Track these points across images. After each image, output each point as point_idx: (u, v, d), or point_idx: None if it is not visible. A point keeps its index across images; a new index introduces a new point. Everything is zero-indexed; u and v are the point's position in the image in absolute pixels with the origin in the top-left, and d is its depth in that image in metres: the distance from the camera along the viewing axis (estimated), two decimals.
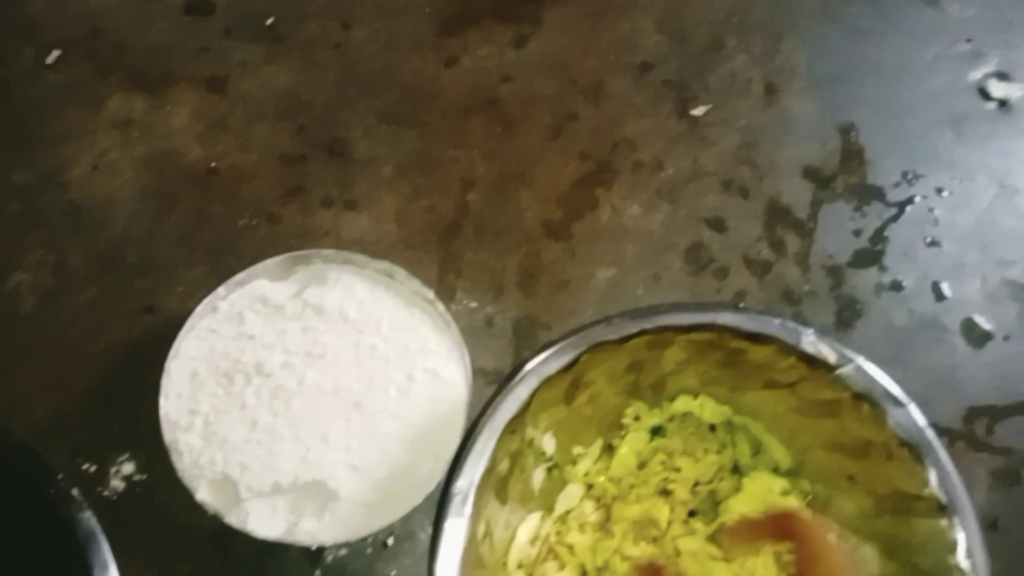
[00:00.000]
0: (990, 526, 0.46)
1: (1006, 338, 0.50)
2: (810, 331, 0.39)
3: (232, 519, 0.39)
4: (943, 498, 0.38)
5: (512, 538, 0.42)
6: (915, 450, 0.38)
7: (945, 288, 0.51)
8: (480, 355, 0.48)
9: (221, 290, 0.44)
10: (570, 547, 0.42)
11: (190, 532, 0.43)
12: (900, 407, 0.39)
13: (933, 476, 0.38)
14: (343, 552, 0.43)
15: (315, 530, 0.39)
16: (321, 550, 0.43)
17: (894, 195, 0.53)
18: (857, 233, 0.52)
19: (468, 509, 0.36)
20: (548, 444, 0.42)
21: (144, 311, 0.48)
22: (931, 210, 0.53)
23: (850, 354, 0.39)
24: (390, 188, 0.52)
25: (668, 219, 0.52)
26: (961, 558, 0.37)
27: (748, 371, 0.42)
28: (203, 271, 0.49)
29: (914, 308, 0.50)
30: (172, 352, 0.43)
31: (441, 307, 0.44)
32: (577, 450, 0.43)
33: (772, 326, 0.39)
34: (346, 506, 0.40)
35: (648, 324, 0.39)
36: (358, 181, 0.52)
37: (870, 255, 0.52)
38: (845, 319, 0.50)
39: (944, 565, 0.38)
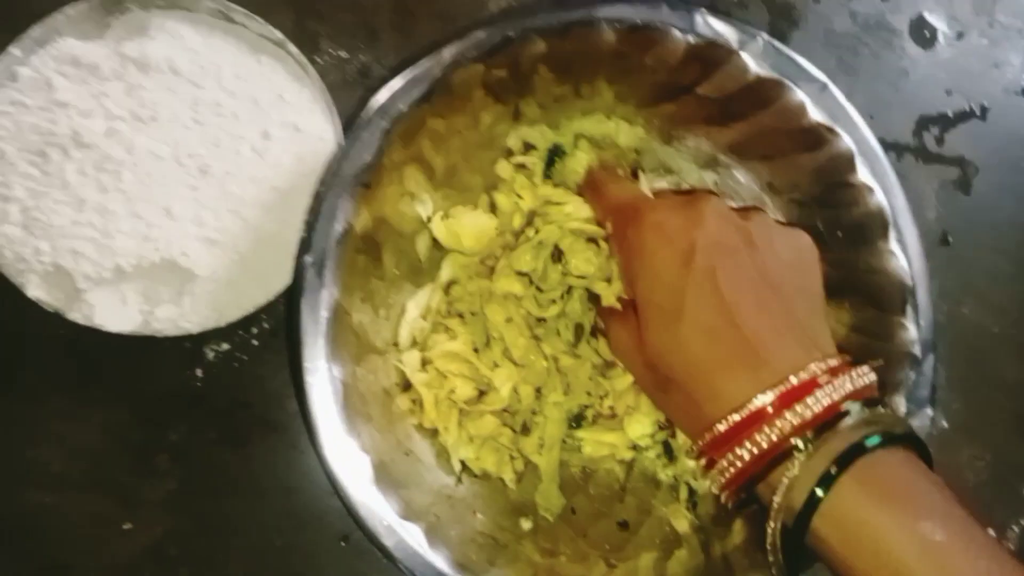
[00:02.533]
0: (941, 241, 0.42)
1: (959, 35, 0.44)
2: (702, 9, 0.33)
3: (75, 315, 0.34)
4: (869, 180, 0.34)
5: (402, 315, 0.37)
6: (835, 131, 0.34)
7: None
8: (357, 110, 0.40)
9: (15, 51, 0.35)
10: (460, 316, 0.37)
11: (38, 339, 0.37)
12: (814, 83, 0.34)
13: (857, 157, 0.34)
14: (225, 346, 0.38)
15: (175, 317, 0.34)
16: (199, 345, 0.38)
17: None
18: None
19: (327, 281, 0.30)
20: (423, 207, 0.36)
21: None
22: None
23: (751, 30, 0.33)
24: None
25: None
26: (892, 241, 0.34)
27: (642, 81, 0.36)
28: (2, 39, 0.40)
29: (857, 10, 0.43)
30: None
31: (294, 49, 0.37)
32: (458, 209, 0.37)
33: (660, 12, 0.33)
34: (207, 286, 0.34)
35: (511, 30, 0.32)
36: None
37: None
38: (780, 29, 0.43)
39: (877, 253, 0.34)
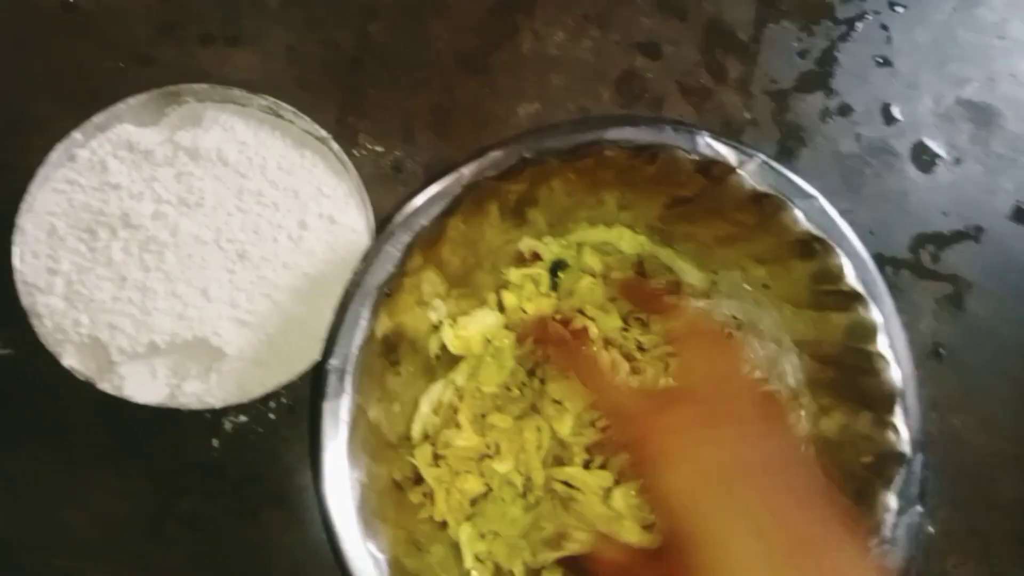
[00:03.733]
0: (933, 353, 0.44)
1: (957, 161, 0.46)
2: (704, 132, 0.35)
3: (106, 385, 0.35)
4: (859, 287, 0.36)
5: (415, 410, 0.39)
6: (826, 243, 0.36)
7: (896, 111, 0.47)
8: (389, 204, 0.42)
9: (78, 135, 0.38)
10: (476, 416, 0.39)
11: (70, 406, 0.39)
12: (808, 199, 0.36)
13: (848, 266, 0.36)
14: (243, 419, 0.40)
15: (200, 392, 0.36)
16: (219, 418, 0.40)
17: (844, 11, 0.48)
18: (803, 55, 0.47)
19: (348, 387, 0.32)
20: (435, 313, 0.38)
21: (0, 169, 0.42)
22: (884, 27, 0.48)
23: (751, 151, 0.36)
24: (279, 20, 0.46)
25: (597, 46, 0.47)
26: (882, 345, 0.35)
27: (646, 191, 0.38)
28: (67, 122, 0.43)
29: (862, 133, 0.46)
30: (24, 207, 0.37)
31: (336, 146, 0.39)
32: (465, 319, 0.40)
33: (665, 134, 0.35)
34: (235, 364, 0.36)
35: (527, 151, 0.34)
36: (242, 13, 0.46)
37: (817, 78, 0.47)
38: (789, 148, 0.46)
39: (867, 356, 0.36)
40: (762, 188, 0.36)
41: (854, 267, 0.36)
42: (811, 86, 0.47)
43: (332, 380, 0.32)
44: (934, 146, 0.46)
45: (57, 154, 0.38)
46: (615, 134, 0.36)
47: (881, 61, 0.47)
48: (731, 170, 0.36)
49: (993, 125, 0.47)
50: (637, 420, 0.29)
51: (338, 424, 0.32)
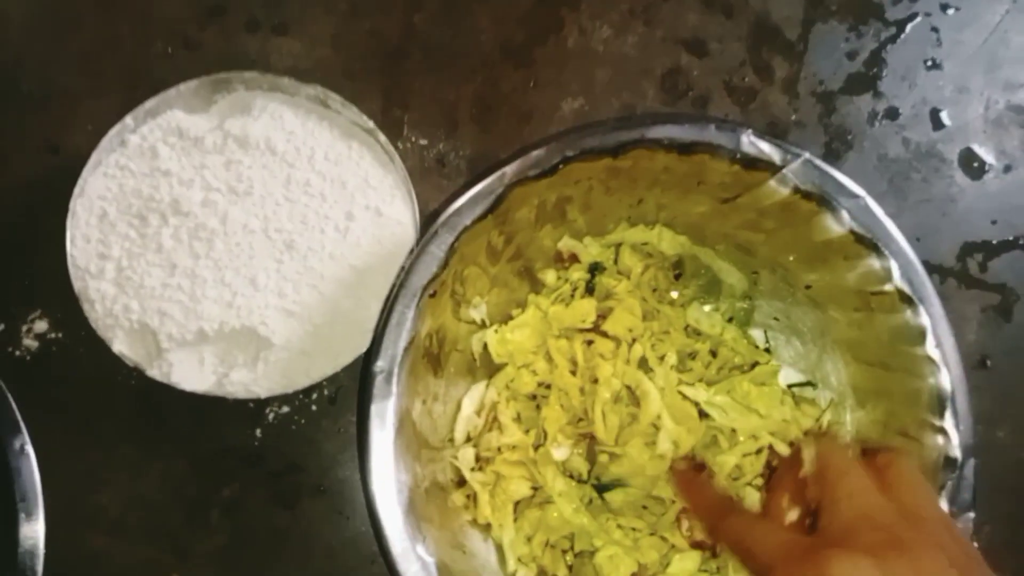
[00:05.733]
0: (979, 364, 0.43)
1: (1007, 168, 0.46)
2: (748, 130, 0.35)
3: (154, 372, 0.36)
4: (906, 288, 0.35)
5: (457, 411, 0.39)
6: (872, 243, 0.35)
7: (944, 116, 0.46)
8: (432, 197, 0.43)
9: (129, 120, 0.38)
10: (518, 415, 0.39)
11: (114, 390, 0.39)
12: (854, 199, 0.36)
13: (895, 267, 0.35)
14: (285, 409, 0.40)
15: (247, 381, 0.36)
16: (262, 407, 0.40)
17: (894, 12, 0.47)
18: (852, 56, 0.47)
19: (395, 388, 0.32)
20: (477, 312, 0.38)
21: (47, 150, 0.43)
22: (934, 29, 0.47)
23: (795, 150, 0.35)
24: (325, 7, 0.45)
25: (642, 41, 0.46)
26: (930, 347, 0.35)
27: (688, 189, 0.38)
28: (112, 104, 0.43)
29: (910, 137, 0.46)
30: (76, 191, 0.37)
31: (383, 138, 0.39)
32: (511, 311, 0.39)
33: (708, 132, 0.35)
34: (281, 354, 0.36)
35: (570, 150, 0.34)
36: (287, 0, 0.45)
37: (865, 80, 0.46)
38: (835, 150, 0.45)
39: (914, 359, 0.35)
40: (806, 187, 0.36)
41: (900, 268, 0.36)
42: (859, 88, 0.46)
43: (379, 382, 0.32)
44: (983, 153, 0.46)
45: (108, 139, 0.38)
46: (658, 132, 0.36)
47: (931, 64, 0.47)
48: (776, 169, 0.36)
49: None
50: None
51: (385, 426, 0.32)
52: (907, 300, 0.35)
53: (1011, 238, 0.45)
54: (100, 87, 0.44)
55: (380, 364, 0.32)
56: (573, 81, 0.46)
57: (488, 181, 0.35)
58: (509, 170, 0.35)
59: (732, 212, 0.39)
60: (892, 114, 0.46)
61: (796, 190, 0.36)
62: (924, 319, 0.35)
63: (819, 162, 0.36)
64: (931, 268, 0.44)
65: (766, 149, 0.36)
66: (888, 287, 0.36)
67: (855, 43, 0.47)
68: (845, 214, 0.36)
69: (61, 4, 0.45)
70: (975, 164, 0.46)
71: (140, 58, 0.44)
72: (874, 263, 0.36)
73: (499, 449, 0.37)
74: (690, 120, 0.36)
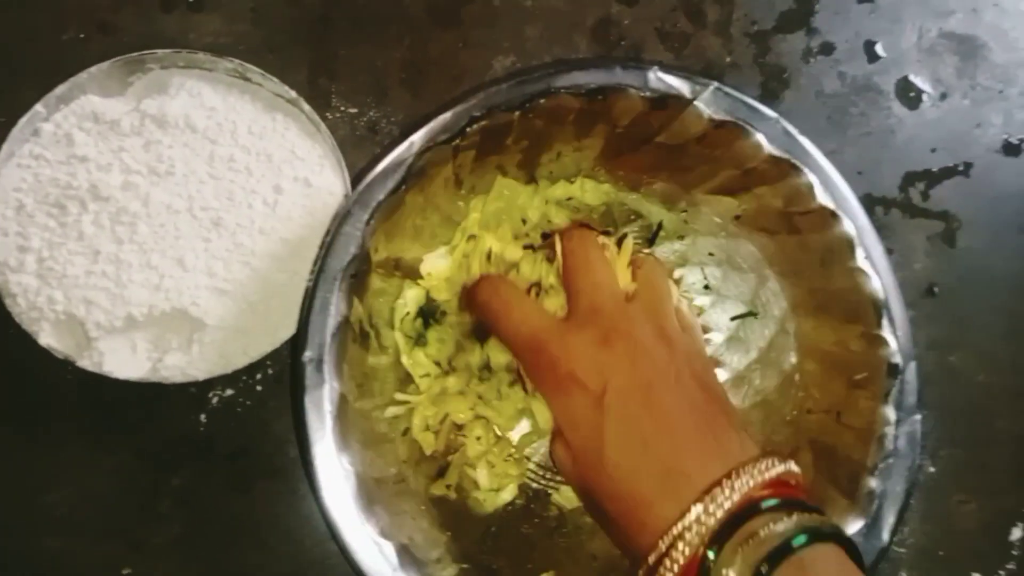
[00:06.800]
0: (927, 292, 0.43)
1: (943, 96, 0.46)
2: (655, 68, 0.34)
3: (85, 362, 0.35)
4: (829, 203, 0.35)
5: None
6: (791, 164, 0.35)
7: (879, 48, 0.46)
8: (366, 165, 0.42)
9: (40, 108, 0.37)
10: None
11: (52, 386, 0.38)
12: (767, 121, 0.36)
13: (816, 185, 0.35)
14: (229, 392, 0.39)
15: (183, 364, 0.35)
16: (204, 391, 0.39)
17: None
18: None
19: (327, 376, 0.31)
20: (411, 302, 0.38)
21: None
22: None
23: (703, 80, 0.35)
24: None
25: None
26: (859, 259, 0.35)
27: (603, 139, 0.37)
28: (28, 96, 0.41)
29: (846, 72, 0.45)
30: None
31: (307, 107, 0.38)
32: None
33: (614, 74, 0.34)
34: (216, 335, 0.35)
35: (476, 110, 0.33)
36: None
37: (798, 17, 0.46)
38: (772, 89, 0.45)
39: (846, 273, 0.35)
40: (719, 116, 0.36)
41: (821, 184, 0.36)
42: (792, 26, 0.46)
43: (309, 371, 0.31)
44: (919, 82, 0.46)
45: (19, 129, 0.36)
46: (564, 81, 0.35)
47: None
48: (687, 102, 0.35)
49: (978, 57, 0.46)
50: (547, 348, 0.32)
51: (323, 416, 0.31)
52: (832, 215, 0.35)
53: (951, 164, 0.45)
54: (13, 78, 0.42)
55: (308, 353, 0.32)
56: (503, 39, 0.45)
57: (397, 151, 0.34)
58: (416, 138, 0.34)
59: (650, 153, 0.38)
60: (827, 49, 0.46)
61: (710, 120, 0.35)
62: (851, 230, 0.35)
63: (729, 89, 0.36)
64: (874, 200, 0.44)
65: (675, 83, 0.36)
66: (813, 205, 0.36)
67: None
68: (761, 137, 0.36)
69: None
70: (911, 94, 0.45)
71: (54, 46, 0.43)
72: (796, 182, 0.35)
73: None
74: (595, 64, 0.36)
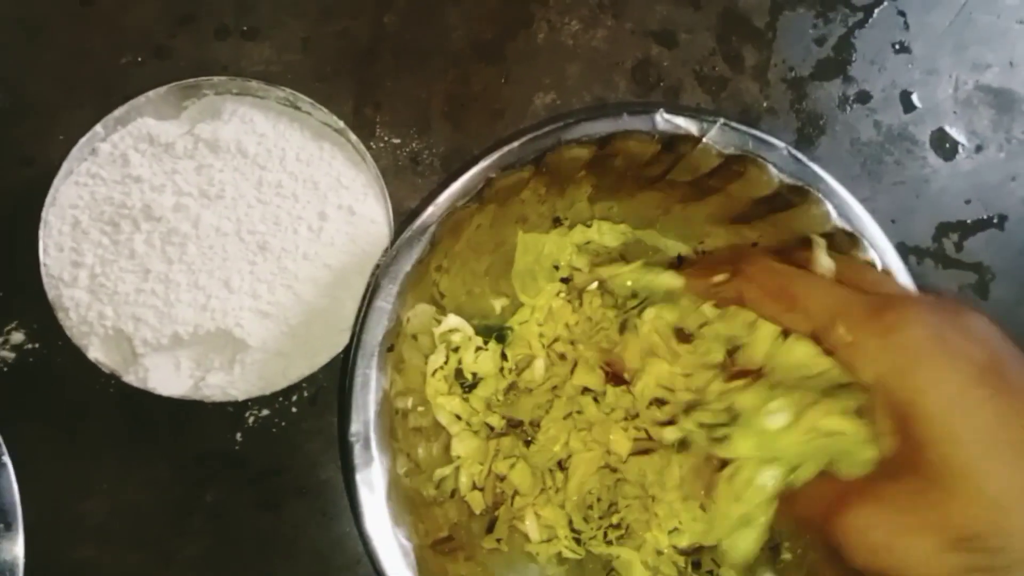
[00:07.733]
0: None
1: (978, 148, 0.46)
2: (660, 110, 0.35)
3: (130, 377, 0.36)
4: (847, 227, 0.35)
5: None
6: (804, 190, 0.36)
7: (915, 98, 0.46)
8: (407, 195, 0.43)
9: (99, 129, 0.38)
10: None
11: (95, 397, 0.39)
12: (775, 150, 0.36)
13: (831, 209, 0.35)
14: (265, 412, 0.40)
15: (224, 384, 0.36)
16: (241, 411, 0.40)
17: None
18: (820, 42, 0.47)
19: (375, 453, 0.32)
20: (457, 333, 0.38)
21: (21, 162, 0.42)
22: (901, 12, 0.48)
23: (711, 118, 0.36)
24: (294, 12, 0.45)
25: (612, 35, 0.47)
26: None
27: (617, 178, 0.38)
28: (85, 114, 0.43)
29: (881, 120, 0.46)
30: (48, 200, 0.37)
31: (354, 137, 0.39)
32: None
33: (622, 121, 0.35)
34: (257, 356, 0.36)
35: (492, 172, 0.34)
36: (256, 5, 0.46)
37: (834, 65, 0.47)
38: (807, 136, 0.46)
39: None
40: (728, 150, 0.36)
41: (836, 208, 0.36)
42: (829, 74, 0.47)
43: (358, 450, 0.32)
44: (954, 133, 0.46)
45: (79, 148, 0.38)
46: (574, 133, 0.36)
47: (899, 47, 0.47)
48: (696, 140, 0.36)
49: (1015, 111, 0.46)
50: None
51: (374, 492, 0.32)
52: (849, 237, 0.35)
53: (985, 216, 0.45)
54: (73, 98, 0.44)
55: (355, 429, 0.32)
56: (545, 76, 0.46)
57: (419, 222, 0.34)
58: (443, 199, 0.34)
59: (667, 189, 0.39)
60: (863, 98, 0.46)
61: (719, 155, 0.36)
62: (871, 253, 0.36)
63: (735, 124, 0.37)
64: (908, 249, 0.45)
65: (682, 123, 0.36)
66: (828, 227, 0.36)
67: (823, 29, 0.47)
68: (772, 168, 0.36)
69: (31, 18, 0.45)
70: (947, 145, 0.46)
71: (112, 68, 0.44)
72: (811, 209, 0.36)
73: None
74: (603, 114, 0.36)
